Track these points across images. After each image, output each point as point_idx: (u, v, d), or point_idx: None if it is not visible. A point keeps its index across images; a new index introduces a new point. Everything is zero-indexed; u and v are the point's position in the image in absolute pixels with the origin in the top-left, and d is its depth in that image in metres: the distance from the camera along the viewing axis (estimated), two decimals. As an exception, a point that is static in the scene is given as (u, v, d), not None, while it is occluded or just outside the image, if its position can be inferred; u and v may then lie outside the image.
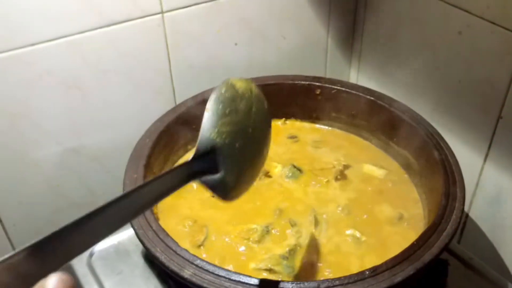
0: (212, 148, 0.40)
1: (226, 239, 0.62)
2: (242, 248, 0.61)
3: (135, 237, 0.73)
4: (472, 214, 0.81)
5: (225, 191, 0.41)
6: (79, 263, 0.72)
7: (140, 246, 0.72)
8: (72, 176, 0.78)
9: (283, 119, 0.80)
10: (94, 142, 0.77)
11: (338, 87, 0.75)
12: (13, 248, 0.78)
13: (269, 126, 0.48)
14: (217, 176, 0.40)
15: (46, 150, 0.74)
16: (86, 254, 0.73)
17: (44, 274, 0.30)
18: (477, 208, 0.80)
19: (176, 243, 0.53)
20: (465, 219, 0.82)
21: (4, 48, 0.64)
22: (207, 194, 0.68)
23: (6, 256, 0.29)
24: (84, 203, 0.81)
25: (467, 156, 0.76)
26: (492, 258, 0.78)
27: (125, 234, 0.76)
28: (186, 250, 0.52)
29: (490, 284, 0.68)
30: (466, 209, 0.81)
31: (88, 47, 0.69)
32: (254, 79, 0.75)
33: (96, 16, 0.68)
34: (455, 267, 0.69)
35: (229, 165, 0.41)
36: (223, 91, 0.43)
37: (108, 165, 0.80)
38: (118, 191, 0.81)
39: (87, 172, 0.79)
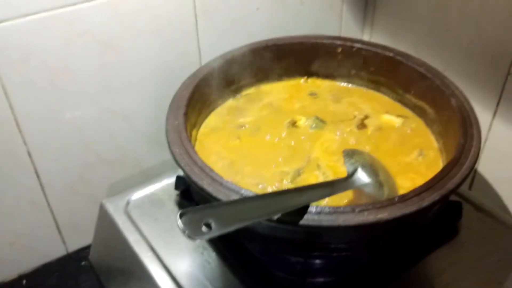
0: (355, 168, 0.63)
1: (262, 179, 0.66)
2: (277, 186, 0.66)
3: (168, 187, 0.79)
4: (480, 169, 0.86)
5: (374, 188, 0.62)
6: (116, 211, 0.77)
7: (173, 196, 0.77)
8: (104, 135, 0.82)
9: (305, 77, 0.85)
10: (124, 102, 0.81)
11: (359, 45, 0.79)
12: (48, 203, 0.82)
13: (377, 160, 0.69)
14: (367, 181, 0.62)
15: (83, 108, 0.77)
16: (123, 203, 0.78)
17: None
18: (485, 163, 0.84)
19: (221, 176, 0.57)
20: (473, 174, 0.87)
21: (47, 7, 0.67)
22: (243, 140, 0.74)
23: None
24: (114, 161, 0.86)
25: (476, 113, 0.81)
26: (500, 208, 0.83)
27: (157, 186, 0.81)
28: (231, 182, 0.56)
29: (500, 224, 0.73)
30: (474, 164, 0.86)
31: (125, 8, 0.73)
32: (279, 39, 0.81)
33: (133, -22, 0.72)
34: (467, 210, 0.75)
35: (369, 174, 0.63)
36: (347, 149, 0.68)
37: (136, 123, 0.84)
38: (145, 149, 0.86)
39: (118, 131, 0.83)
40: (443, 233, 0.72)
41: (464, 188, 0.79)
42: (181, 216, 0.43)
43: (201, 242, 0.70)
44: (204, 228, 0.44)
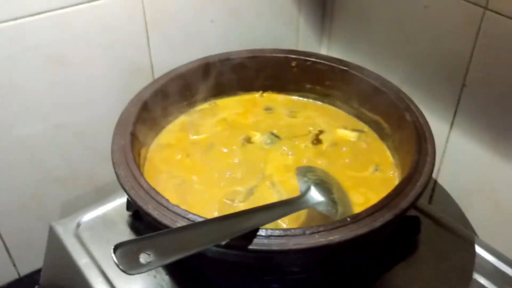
0: (308, 187, 0.61)
1: (213, 199, 0.65)
2: (227, 207, 0.64)
3: (121, 207, 0.76)
4: (440, 180, 0.85)
5: (328, 207, 0.60)
6: (66, 234, 0.74)
7: (126, 216, 0.75)
8: (55, 152, 0.79)
9: (261, 91, 0.83)
10: (76, 118, 0.78)
11: (313, 59, 0.78)
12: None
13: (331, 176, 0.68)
14: (320, 200, 0.60)
15: (31, 125, 0.75)
16: (73, 225, 0.75)
17: None
18: (445, 174, 0.84)
19: (167, 200, 0.55)
20: (433, 185, 0.87)
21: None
22: (196, 158, 0.72)
23: None
24: (66, 178, 0.83)
25: (434, 125, 0.78)
26: (460, 219, 0.83)
27: (110, 206, 0.78)
28: (178, 206, 0.54)
29: (459, 238, 0.73)
30: (434, 175, 0.86)
31: (72, 23, 0.71)
32: (232, 53, 0.79)
33: (81, -9, 0.70)
34: (426, 225, 0.74)
35: (323, 192, 0.61)
36: (300, 167, 0.67)
37: (88, 140, 0.82)
38: (98, 166, 0.83)
39: (70, 148, 0.81)
40: (402, 249, 0.70)
41: (423, 202, 0.78)
42: (115, 249, 0.41)
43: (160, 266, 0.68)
44: (142, 260, 0.42)
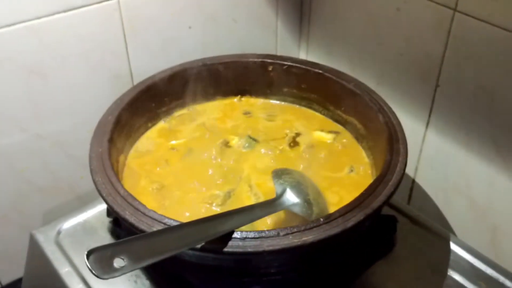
0: (284, 189, 0.61)
1: (191, 204, 0.65)
2: (205, 211, 0.65)
3: (101, 214, 0.77)
4: (418, 179, 0.87)
5: (303, 209, 0.61)
6: (47, 241, 0.74)
7: (106, 222, 0.75)
8: (36, 162, 0.80)
9: (239, 96, 0.84)
10: (56, 127, 0.79)
11: (289, 63, 0.80)
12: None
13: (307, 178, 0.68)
14: (296, 202, 0.61)
15: (10, 136, 0.75)
16: (54, 232, 0.75)
17: None
18: (422, 173, 0.86)
19: (144, 205, 0.56)
20: (411, 185, 0.88)
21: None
22: (175, 163, 0.73)
23: None
24: (48, 187, 0.83)
25: (410, 125, 0.81)
26: (438, 217, 0.84)
27: (90, 213, 0.78)
28: (154, 211, 0.55)
29: (435, 236, 0.74)
30: (412, 175, 0.87)
31: (47, 32, 0.71)
32: (210, 58, 0.80)
33: (54, 1, 0.70)
34: (403, 223, 0.75)
35: (298, 194, 0.62)
36: (276, 169, 0.67)
37: (69, 149, 0.82)
38: (79, 174, 0.83)
39: (50, 157, 0.81)
40: (379, 248, 0.72)
41: (402, 202, 0.80)
42: (89, 254, 0.42)
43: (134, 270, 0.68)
44: (116, 265, 0.42)
